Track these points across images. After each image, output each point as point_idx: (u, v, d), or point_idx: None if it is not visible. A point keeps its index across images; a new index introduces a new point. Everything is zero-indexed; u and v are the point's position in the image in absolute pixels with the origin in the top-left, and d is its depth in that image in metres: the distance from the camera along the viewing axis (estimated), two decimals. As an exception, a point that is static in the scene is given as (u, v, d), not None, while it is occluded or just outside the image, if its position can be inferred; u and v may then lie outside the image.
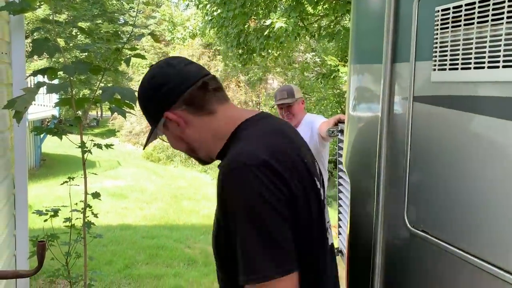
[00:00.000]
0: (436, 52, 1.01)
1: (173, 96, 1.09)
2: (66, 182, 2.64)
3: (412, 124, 1.11)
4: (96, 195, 2.50)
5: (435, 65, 1.02)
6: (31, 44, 2.33)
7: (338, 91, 10.42)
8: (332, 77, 8.42)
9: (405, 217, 1.14)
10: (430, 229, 1.07)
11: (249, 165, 0.96)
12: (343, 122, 2.72)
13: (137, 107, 2.38)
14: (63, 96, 2.58)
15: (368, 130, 1.32)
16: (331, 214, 5.99)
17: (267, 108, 14.72)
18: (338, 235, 2.76)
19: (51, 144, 15.64)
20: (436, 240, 1.05)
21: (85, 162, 2.39)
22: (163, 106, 1.10)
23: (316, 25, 8.04)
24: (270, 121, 1.13)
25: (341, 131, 2.58)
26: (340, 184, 2.71)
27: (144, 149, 1.17)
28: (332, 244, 1.18)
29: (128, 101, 2.22)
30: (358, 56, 1.44)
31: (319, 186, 1.08)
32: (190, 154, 1.19)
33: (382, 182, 1.20)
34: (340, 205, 2.75)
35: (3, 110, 2.60)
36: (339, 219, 2.78)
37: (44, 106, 13.12)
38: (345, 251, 2.55)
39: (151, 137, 1.19)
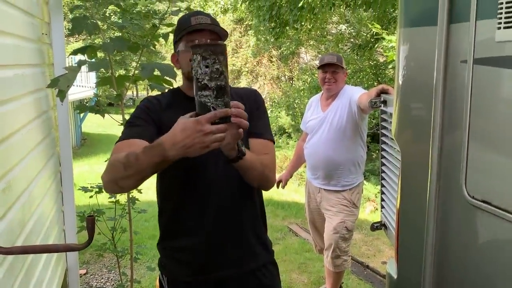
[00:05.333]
0: (501, 8, 0.93)
1: None
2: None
3: (473, 89, 1.03)
4: (138, 171, 2.53)
5: (500, 23, 0.94)
6: (69, 25, 2.36)
7: (374, 62, 10.10)
8: (368, 47, 8.15)
9: (464, 187, 1.08)
10: (491, 199, 1.01)
11: None
12: (386, 92, 2.62)
13: (176, 83, 2.37)
14: (103, 75, 2.61)
15: (422, 98, 1.25)
16: (369, 188, 5.94)
17: (300, 82, 14.50)
18: (382, 209, 2.71)
19: (91, 124, 16.10)
20: (499, 211, 0.99)
21: (127, 139, 2.42)
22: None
23: (351, -6, 7.77)
24: None
25: (384, 102, 2.49)
26: (383, 157, 2.64)
27: None
28: None
29: (167, 77, 2.22)
30: (408, 19, 1.36)
31: None
32: None
33: (438, 151, 1.14)
34: (383, 178, 2.68)
35: (46, 90, 2.66)
36: (382, 193, 2.73)
37: (82, 87, 13.44)
38: (389, 225, 2.51)
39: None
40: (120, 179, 1.28)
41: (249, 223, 1.55)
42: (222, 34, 1.49)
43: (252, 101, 1.56)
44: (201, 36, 1.44)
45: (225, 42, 1.36)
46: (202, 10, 13.14)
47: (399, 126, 1.42)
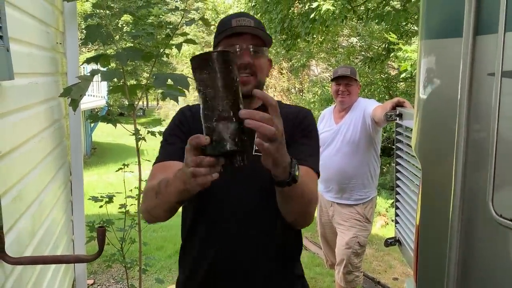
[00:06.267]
0: (534, 19, 0.89)
1: None
2: (121, 169, 2.67)
3: (501, 102, 0.99)
4: (149, 181, 2.51)
5: (532, 35, 0.90)
6: (82, 35, 2.36)
7: (386, 75, 10.04)
8: (380, 60, 8.11)
9: (491, 204, 1.03)
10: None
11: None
12: (401, 105, 2.58)
13: (189, 93, 2.32)
14: (115, 84, 2.60)
15: (445, 112, 1.21)
16: (380, 202, 5.87)
17: (310, 95, 14.47)
18: (396, 224, 2.65)
19: (101, 133, 16.19)
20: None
21: (139, 149, 2.40)
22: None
23: (363, 7, 7.75)
24: None
25: (400, 115, 2.45)
26: (397, 171, 2.59)
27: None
28: None
29: (180, 87, 2.21)
30: (431, 30, 1.32)
31: None
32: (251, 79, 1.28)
33: (462, 166, 1.09)
34: (397, 193, 2.63)
35: (58, 99, 2.66)
36: (397, 207, 2.67)
37: (93, 96, 13.54)
38: (404, 241, 2.45)
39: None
40: (152, 208, 1.17)
41: (264, 269, 1.35)
42: (266, 40, 1.30)
43: (298, 120, 1.33)
44: (242, 41, 1.25)
45: (211, 51, 1.02)
46: (213, 21, 13.21)
47: (420, 140, 1.37)
